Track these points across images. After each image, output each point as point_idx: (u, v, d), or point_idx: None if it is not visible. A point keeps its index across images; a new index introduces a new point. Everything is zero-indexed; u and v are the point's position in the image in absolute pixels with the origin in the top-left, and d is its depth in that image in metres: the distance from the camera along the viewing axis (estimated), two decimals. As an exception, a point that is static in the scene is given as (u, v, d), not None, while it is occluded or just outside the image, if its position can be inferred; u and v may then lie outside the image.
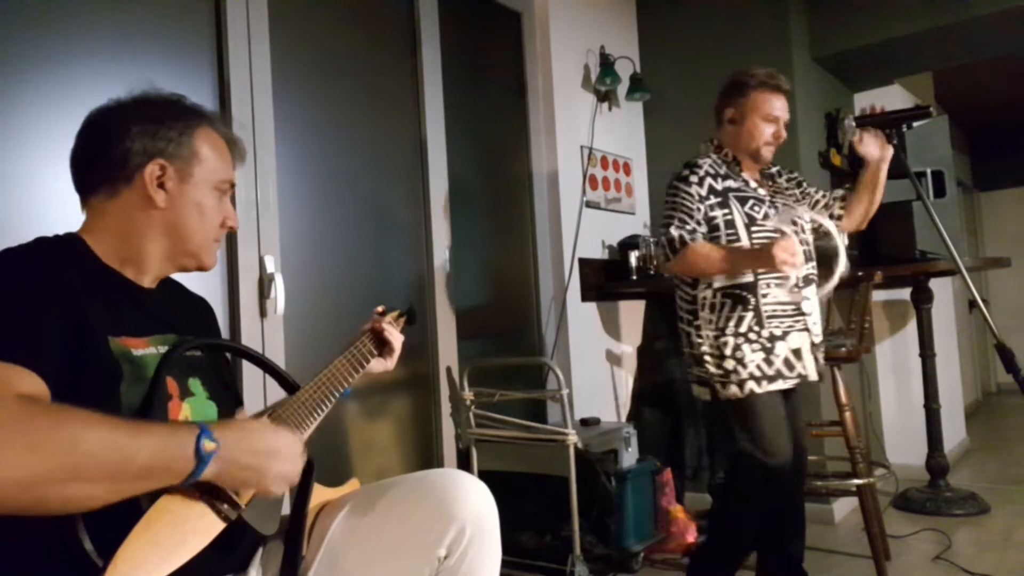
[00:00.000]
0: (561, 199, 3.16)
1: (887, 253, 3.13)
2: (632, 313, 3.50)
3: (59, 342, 0.92)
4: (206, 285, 1.85)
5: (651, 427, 3.18)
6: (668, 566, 2.70)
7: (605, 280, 3.31)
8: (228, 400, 1.17)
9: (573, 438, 2.36)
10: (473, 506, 1.16)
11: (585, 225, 3.23)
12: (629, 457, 2.73)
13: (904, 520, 3.10)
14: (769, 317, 2.05)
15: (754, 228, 2.08)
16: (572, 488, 2.36)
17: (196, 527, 0.94)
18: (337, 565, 1.16)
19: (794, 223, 2.13)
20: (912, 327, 3.59)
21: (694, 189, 2.08)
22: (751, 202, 2.10)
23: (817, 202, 2.27)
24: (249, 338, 2.01)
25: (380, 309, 1.46)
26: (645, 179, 3.72)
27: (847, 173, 3.51)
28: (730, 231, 2.07)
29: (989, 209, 7.47)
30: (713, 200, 2.08)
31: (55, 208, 1.64)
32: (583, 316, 3.21)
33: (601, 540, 2.56)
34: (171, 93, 1.16)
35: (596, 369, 3.26)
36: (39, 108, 1.67)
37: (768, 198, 2.15)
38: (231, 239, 2.00)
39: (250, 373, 1.90)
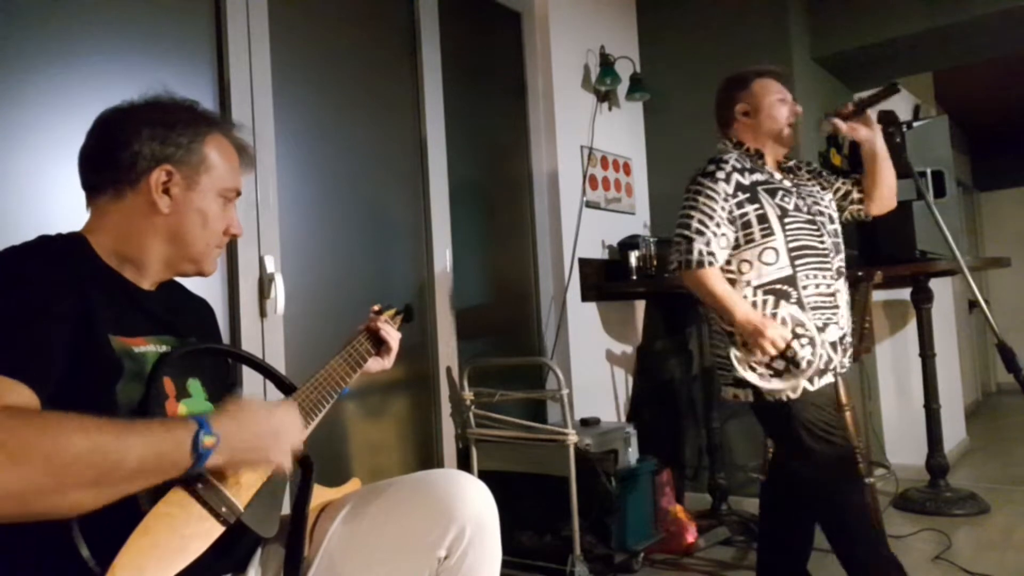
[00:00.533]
0: (561, 199, 3.16)
1: (887, 253, 3.12)
2: (632, 313, 3.50)
3: (59, 340, 0.91)
4: (206, 285, 1.84)
5: (651, 427, 3.18)
6: (668, 566, 2.70)
7: (605, 280, 3.30)
8: (227, 401, 1.17)
9: (573, 438, 2.36)
10: (473, 506, 1.16)
11: (585, 225, 3.23)
12: (629, 457, 2.73)
13: (904, 520, 3.10)
14: (812, 308, 1.98)
15: (787, 220, 1.99)
16: (572, 488, 2.36)
17: (195, 531, 0.94)
18: (337, 565, 1.15)
19: (816, 223, 2.07)
20: (912, 327, 3.59)
21: (720, 186, 1.99)
22: (780, 193, 2.03)
23: (838, 189, 2.22)
24: (249, 338, 2.01)
25: (376, 307, 1.45)
26: (645, 179, 3.72)
27: (847, 173, 3.51)
28: (763, 225, 1.98)
29: (989, 209, 7.47)
30: (742, 196, 1.99)
31: (56, 208, 1.64)
32: (583, 316, 3.21)
33: (601, 540, 2.55)
34: (184, 98, 1.16)
35: (596, 369, 3.26)
36: (39, 108, 1.67)
37: (794, 189, 2.09)
38: (231, 239, 1.99)
39: (250, 374, 1.89)
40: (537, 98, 3.23)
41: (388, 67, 2.62)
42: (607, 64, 3.38)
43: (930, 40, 3.37)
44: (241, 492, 1.00)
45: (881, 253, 3.15)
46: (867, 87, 3.99)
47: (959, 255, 1.79)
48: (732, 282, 2.01)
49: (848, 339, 2.07)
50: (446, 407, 2.63)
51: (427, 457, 2.60)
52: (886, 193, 2.18)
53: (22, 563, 0.88)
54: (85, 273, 1.01)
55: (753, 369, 1.97)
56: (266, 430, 0.98)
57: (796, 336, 1.94)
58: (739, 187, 2.00)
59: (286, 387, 1.23)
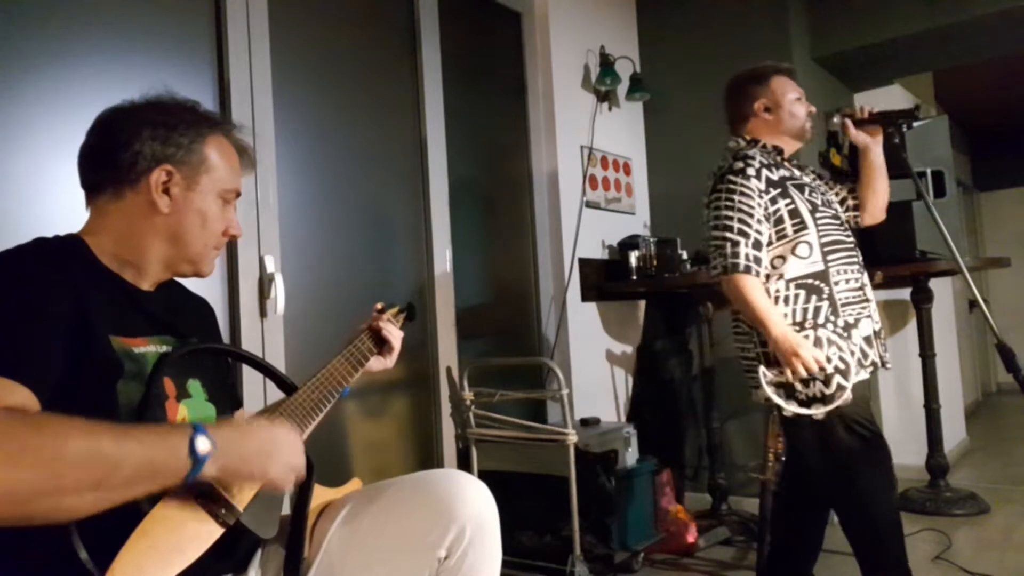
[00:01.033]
0: (561, 199, 3.16)
1: (887, 253, 3.12)
2: (632, 313, 3.50)
3: (58, 341, 0.91)
4: (206, 285, 1.83)
5: (651, 427, 3.18)
6: (668, 566, 2.70)
7: (605, 280, 3.30)
8: (227, 402, 1.17)
9: (573, 438, 2.36)
10: (473, 506, 1.15)
11: (585, 225, 3.23)
12: (629, 457, 2.73)
13: (904, 520, 3.05)
14: (843, 305, 1.95)
15: (818, 215, 1.97)
16: (572, 488, 2.36)
17: (194, 533, 0.94)
18: (337, 565, 1.15)
19: (840, 218, 2.05)
20: (912, 327, 3.59)
21: (753, 183, 1.94)
22: (807, 189, 2.01)
23: (837, 193, 2.21)
24: (249, 338, 2.01)
25: (379, 306, 1.45)
26: (645, 179, 3.72)
27: (846, 173, 3.51)
28: (795, 220, 1.96)
29: (989, 209, 7.47)
30: (774, 192, 1.96)
31: (56, 208, 1.64)
32: (583, 316, 3.21)
33: (601, 540, 2.55)
34: (185, 98, 1.15)
35: (596, 369, 3.26)
36: (39, 108, 1.67)
37: (816, 185, 2.08)
38: (230, 240, 1.99)
39: (250, 374, 1.90)
40: (537, 98, 3.23)
41: (388, 67, 2.62)
42: (607, 64, 3.38)
43: (930, 40, 3.37)
44: (240, 493, 1.00)
45: (881, 253, 3.15)
46: (867, 87, 4.00)
47: (959, 255, 1.79)
48: (766, 277, 1.98)
49: (882, 333, 2.04)
50: (446, 407, 2.63)
51: (427, 457, 2.60)
52: (879, 205, 2.18)
53: (21, 565, 0.88)
54: (84, 274, 1.01)
55: (779, 392, 1.94)
56: (266, 443, 0.97)
57: (828, 360, 1.90)
58: (769, 183, 1.97)
59: (287, 387, 1.23)
